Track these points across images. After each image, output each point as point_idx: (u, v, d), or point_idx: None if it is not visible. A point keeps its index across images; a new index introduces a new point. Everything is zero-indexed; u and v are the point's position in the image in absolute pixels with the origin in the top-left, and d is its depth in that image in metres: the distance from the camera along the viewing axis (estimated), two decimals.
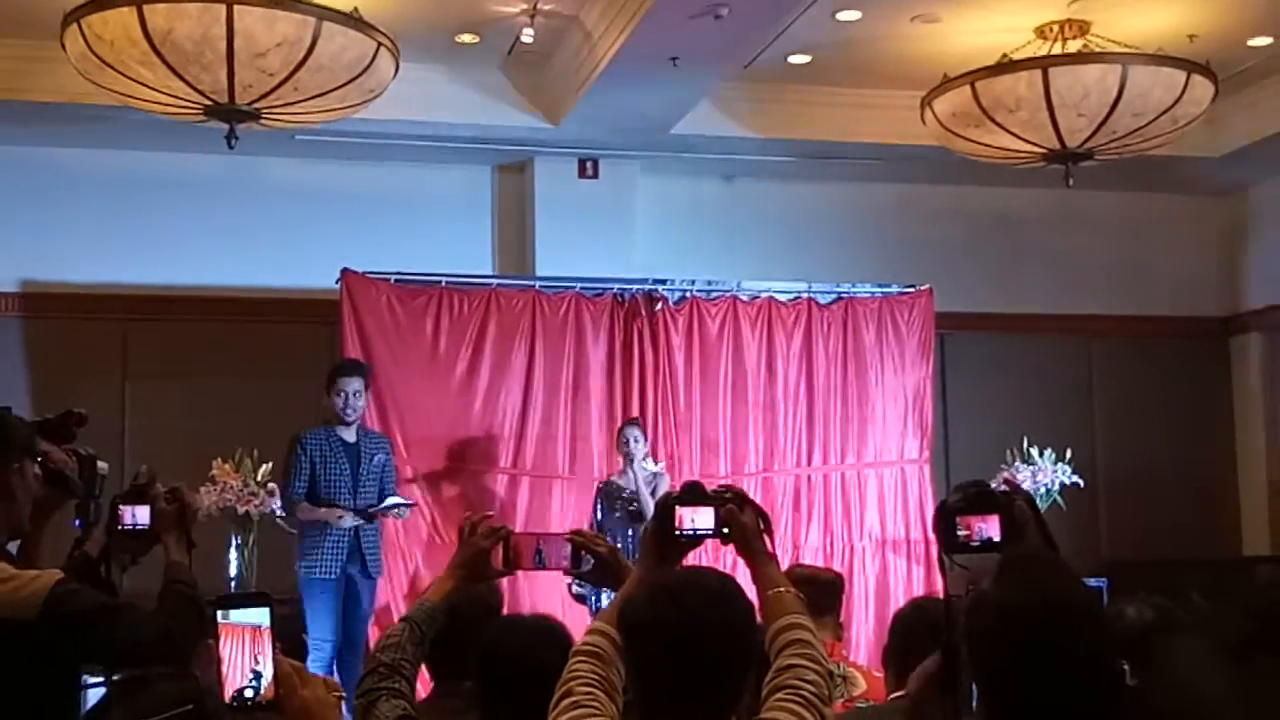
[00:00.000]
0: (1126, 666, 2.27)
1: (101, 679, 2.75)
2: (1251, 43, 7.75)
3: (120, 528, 3.10)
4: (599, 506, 7.67)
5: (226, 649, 1.91)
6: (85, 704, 2.84)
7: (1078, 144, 7.08)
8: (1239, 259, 10.16)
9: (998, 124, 7.04)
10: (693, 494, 2.64)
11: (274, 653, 1.90)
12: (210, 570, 3.18)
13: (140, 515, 3.09)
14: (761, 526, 2.64)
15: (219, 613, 1.91)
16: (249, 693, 1.90)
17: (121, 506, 3.10)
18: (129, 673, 2.60)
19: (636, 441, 7.64)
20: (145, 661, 2.50)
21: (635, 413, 8.24)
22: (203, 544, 3.24)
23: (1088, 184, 7.93)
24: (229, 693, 1.88)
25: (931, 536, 2.69)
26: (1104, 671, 2.16)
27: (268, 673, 1.90)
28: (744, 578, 2.57)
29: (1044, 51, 7.17)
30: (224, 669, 1.91)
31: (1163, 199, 10.01)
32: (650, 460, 7.74)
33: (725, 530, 2.61)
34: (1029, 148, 7.21)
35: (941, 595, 2.65)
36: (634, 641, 2.37)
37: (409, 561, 7.84)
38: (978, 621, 2.21)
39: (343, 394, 7.02)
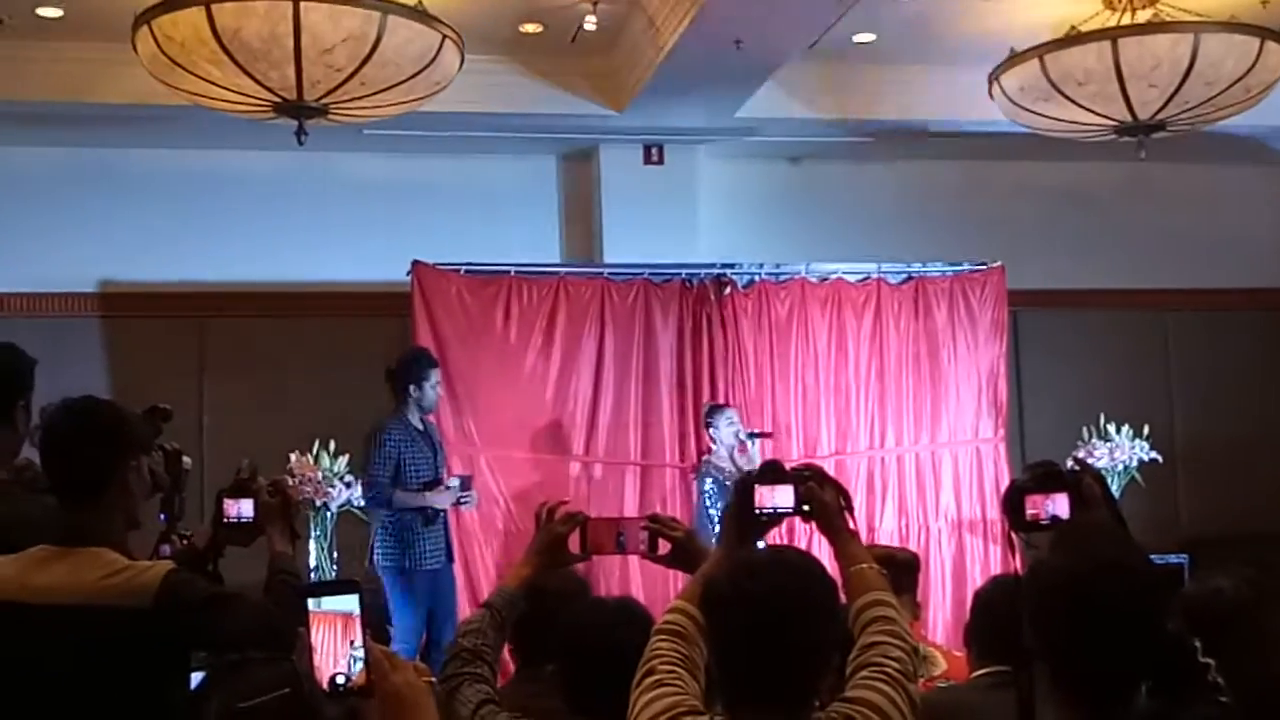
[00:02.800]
0: (1199, 643, 2.26)
1: (201, 665, 2.81)
2: None
3: (225, 521, 3.19)
4: (705, 486, 7.65)
5: (318, 636, 1.92)
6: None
7: (1149, 116, 6.97)
8: None
9: (1067, 97, 6.95)
10: (772, 472, 2.64)
11: (365, 639, 1.92)
12: None
13: (244, 508, 3.18)
14: (842, 503, 2.64)
15: (310, 601, 1.93)
16: (340, 679, 1.92)
17: (226, 500, 3.19)
18: (227, 658, 2.65)
19: (731, 424, 7.71)
20: (252, 648, 2.56)
21: (706, 397, 8.27)
22: None
23: (1160, 156, 7.82)
24: (323, 679, 1.90)
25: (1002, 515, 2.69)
26: (1165, 635, 2.17)
27: (359, 659, 1.92)
28: (825, 556, 2.57)
29: (1113, 22, 7.06)
30: (316, 656, 1.93)
31: (1237, 169, 9.85)
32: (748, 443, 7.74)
33: (805, 508, 2.61)
34: (1099, 121, 7.11)
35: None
36: (716, 619, 2.37)
37: (485, 549, 7.90)
38: (1036, 588, 2.23)
39: (433, 385, 7.09)
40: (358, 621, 1.93)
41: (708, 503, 7.58)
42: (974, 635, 3.60)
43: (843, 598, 2.45)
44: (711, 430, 7.84)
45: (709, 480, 7.66)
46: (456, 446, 7.77)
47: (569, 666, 2.88)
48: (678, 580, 2.76)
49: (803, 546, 2.82)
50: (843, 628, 2.40)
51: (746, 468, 7.51)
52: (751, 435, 7.74)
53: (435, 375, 7.16)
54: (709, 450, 8.00)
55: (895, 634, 2.38)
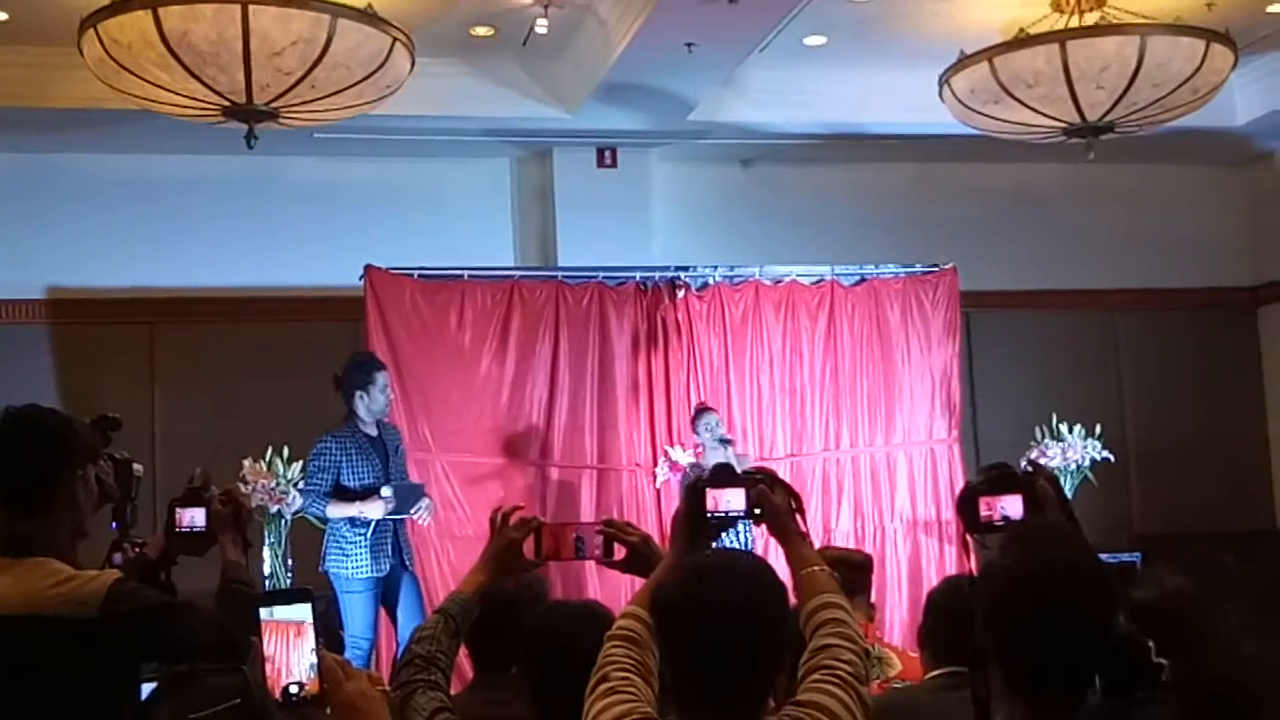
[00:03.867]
0: (1152, 644, 2.28)
1: (152, 675, 2.79)
2: (1271, 9, 7.68)
3: (177, 530, 3.16)
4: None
5: (270, 645, 1.92)
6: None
7: (1098, 117, 7.03)
8: (1264, 228, 10.08)
9: (1017, 99, 7.00)
10: (723, 476, 2.64)
11: (318, 647, 1.91)
12: None
13: (196, 518, 3.16)
14: (793, 506, 2.64)
15: (262, 610, 1.93)
16: (294, 688, 1.91)
17: (178, 509, 3.16)
18: (178, 668, 2.63)
19: (709, 428, 7.74)
20: (202, 658, 2.54)
21: (662, 399, 8.28)
22: None
23: (1109, 157, 7.88)
24: (276, 689, 1.89)
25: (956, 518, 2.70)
26: (1115, 634, 2.19)
27: (313, 667, 1.91)
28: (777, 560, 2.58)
29: (1061, 25, 7.12)
30: (269, 666, 1.92)
31: (1186, 169, 9.95)
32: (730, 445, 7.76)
33: (757, 511, 2.61)
34: (1049, 122, 7.17)
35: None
36: (667, 625, 2.37)
37: (441, 555, 7.87)
38: (987, 588, 2.24)
39: (380, 389, 7.00)
40: (310, 630, 1.93)
41: None
42: (928, 636, 3.61)
43: (793, 601, 2.45)
44: (696, 435, 7.89)
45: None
46: (411, 452, 7.73)
47: (534, 671, 2.87)
48: (635, 585, 2.75)
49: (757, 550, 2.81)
50: (794, 631, 2.40)
51: None
52: (722, 440, 7.73)
53: (383, 379, 7.03)
54: (665, 452, 8.05)
55: (847, 636, 2.38)
